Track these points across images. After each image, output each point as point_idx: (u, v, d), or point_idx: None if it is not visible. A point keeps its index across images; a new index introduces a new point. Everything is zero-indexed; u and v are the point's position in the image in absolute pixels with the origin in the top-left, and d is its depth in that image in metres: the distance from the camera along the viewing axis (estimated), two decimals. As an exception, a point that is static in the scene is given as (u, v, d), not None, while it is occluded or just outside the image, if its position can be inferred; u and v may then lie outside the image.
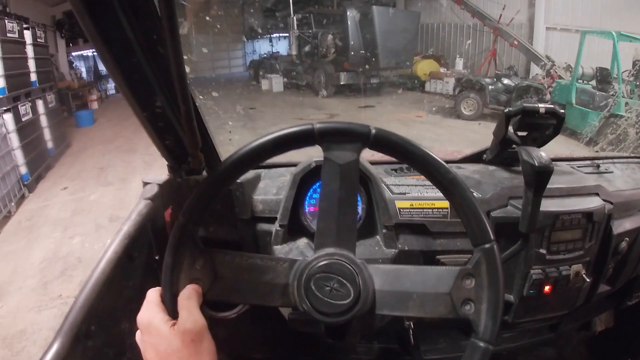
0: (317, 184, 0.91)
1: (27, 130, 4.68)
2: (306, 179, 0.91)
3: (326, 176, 0.60)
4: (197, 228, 0.61)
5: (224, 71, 14.87)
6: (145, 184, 0.89)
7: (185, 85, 0.60)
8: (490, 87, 7.48)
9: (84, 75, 10.86)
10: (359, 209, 0.92)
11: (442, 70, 10.58)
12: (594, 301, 1.05)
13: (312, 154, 0.86)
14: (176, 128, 0.74)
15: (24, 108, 4.63)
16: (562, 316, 1.05)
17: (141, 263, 0.83)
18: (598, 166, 1.17)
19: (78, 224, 3.67)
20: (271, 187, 0.99)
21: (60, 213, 3.95)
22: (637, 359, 1.31)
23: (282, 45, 13.62)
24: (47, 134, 5.47)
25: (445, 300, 0.59)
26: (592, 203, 0.92)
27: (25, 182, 4.52)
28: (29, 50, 5.09)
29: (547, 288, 0.91)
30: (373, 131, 0.58)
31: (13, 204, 4.04)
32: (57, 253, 3.22)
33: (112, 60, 0.59)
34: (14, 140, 4.35)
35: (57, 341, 0.59)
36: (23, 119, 4.58)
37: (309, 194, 0.93)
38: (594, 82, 6.45)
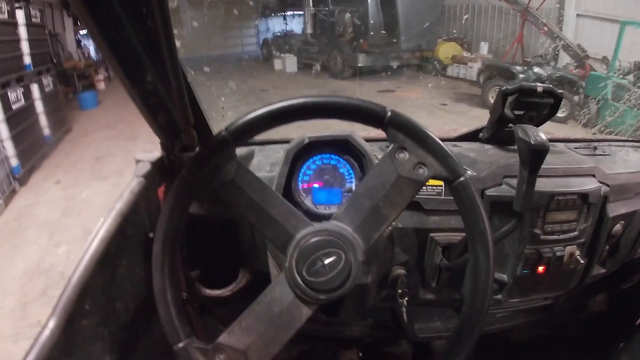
0: (310, 160, 0.92)
1: (19, 119, 4.35)
2: (299, 156, 0.90)
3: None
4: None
5: (237, 49, 14.34)
6: (138, 161, 0.87)
7: (175, 60, 0.61)
8: (520, 75, 6.83)
9: (92, 54, 10.45)
10: (353, 185, 0.92)
11: (465, 54, 9.89)
12: (588, 283, 1.05)
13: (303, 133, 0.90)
14: (167, 104, 0.73)
15: (14, 95, 4.29)
16: (556, 297, 1.06)
17: (135, 241, 0.83)
18: (595, 148, 1.15)
19: (65, 229, 3.37)
20: (265, 163, 0.98)
21: (49, 213, 3.65)
22: (630, 342, 1.31)
23: (296, 24, 13.03)
24: (43, 121, 5.13)
25: (405, 183, 0.63)
26: (588, 184, 0.92)
27: (17, 175, 4.20)
28: (22, 32, 4.69)
29: (540, 268, 0.92)
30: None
31: (1, 201, 3.74)
32: (40, 264, 2.93)
33: (100, 35, 0.56)
34: (3, 130, 4.02)
35: (52, 321, 0.59)
36: (13, 107, 4.24)
37: (302, 171, 0.92)
38: (631, 77, 5.74)
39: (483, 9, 10.41)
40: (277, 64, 10.82)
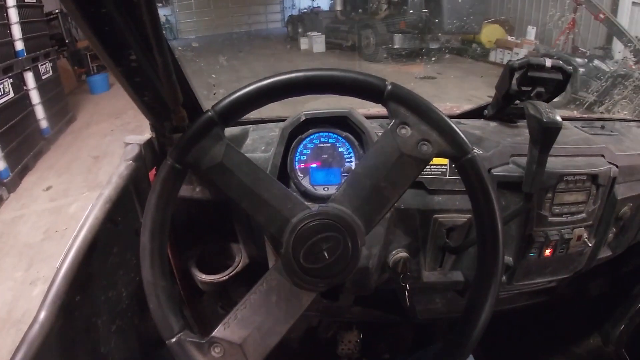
0: (307, 139, 0.87)
1: (7, 115, 3.83)
2: (295, 134, 0.86)
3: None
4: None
5: (261, 26, 13.57)
6: (127, 144, 0.86)
7: (160, 36, 0.58)
8: (581, 69, 5.82)
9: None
10: (352, 165, 0.87)
11: (509, 38, 8.80)
12: (593, 266, 1.03)
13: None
14: (154, 83, 0.71)
15: (0, 88, 3.75)
16: (561, 280, 1.03)
17: (125, 228, 0.81)
18: (602, 127, 1.11)
19: (45, 258, 2.85)
20: (259, 143, 0.93)
21: (32, 233, 3.14)
22: (632, 324, 1.29)
23: (323, 0, 12.15)
24: (39, 112, 4.60)
25: (408, 161, 0.60)
26: (598, 165, 0.89)
27: (5, 180, 3.72)
28: (13, 14, 4.12)
29: (547, 251, 0.90)
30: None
31: (-20, 214, 3.28)
32: (12, 310, 2.42)
33: (78, 10, 0.54)
34: (-17, 131, 3.53)
35: (42, 314, 0.58)
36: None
37: (299, 150, 0.86)
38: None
39: None
40: (304, 44, 10.01)
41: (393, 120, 0.60)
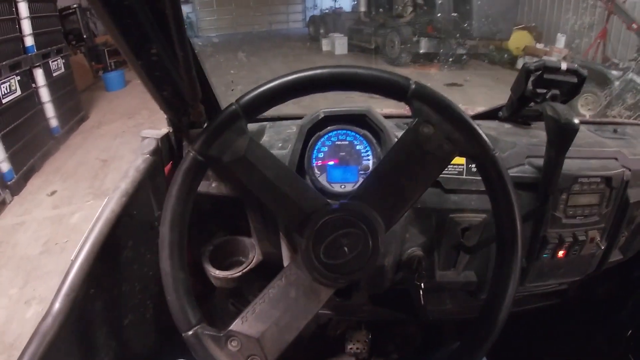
0: (325, 136, 0.86)
1: (12, 114, 3.63)
2: (313, 131, 0.85)
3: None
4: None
5: (282, 26, 13.36)
6: (144, 138, 0.86)
7: (182, 31, 0.57)
8: (616, 82, 5.38)
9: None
10: (370, 163, 0.85)
11: (538, 46, 8.35)
12: (603, 270, 1.02)
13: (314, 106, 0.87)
14: (174, 77, 0.70)
15: (5, 86, 3.55)
16: (571, 282, 1.04)
17: (141, 222, 0.82)
18: (615, 131, 1.09)
19: (42, 275, 2.63)
20: (276, 140, 0.91)
21: (31, 244, 2.93)
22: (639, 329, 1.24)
23: (345, 1, 11.87)
24: (49, 111, 4.42)
25: (430, 159, 0.60)
26: (611, 168, 0.89)
27: (9, 182, 3.53)
28: (23, 9, 3.93)
29: (561, 253, 0.90)
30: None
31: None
32: (4, 333, 2.21)
33: (100, 2, 0.53)
34: (-13, 130, 3.33)
35: (55, 306, 0.58)
36: (4, 100, 3.51)
37: (316, 147, 0.85)
38: None
39: None
40: (325, 45, 9.72)
41: (416, 119, 0.60)
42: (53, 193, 3.59)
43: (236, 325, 0.59)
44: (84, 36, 7.69)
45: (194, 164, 0.59)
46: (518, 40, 8.36)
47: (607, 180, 0.87)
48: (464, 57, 7.90)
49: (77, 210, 3.27)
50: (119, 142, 4.53)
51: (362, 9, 9.37)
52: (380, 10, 8.88)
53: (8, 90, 3.59)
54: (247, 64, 7.65)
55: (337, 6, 12.09)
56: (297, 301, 0.60)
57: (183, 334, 0.59)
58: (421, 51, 7.64)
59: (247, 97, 0.59)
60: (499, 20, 7.40)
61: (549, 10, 8.87)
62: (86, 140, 4.73)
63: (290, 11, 13.78)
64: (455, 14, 7.23)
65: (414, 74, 7.34)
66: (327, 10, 11.83)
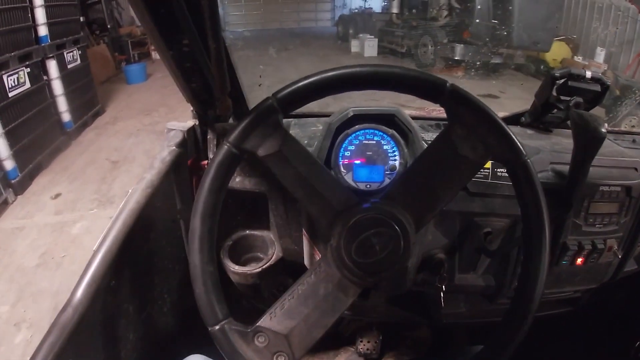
0: (353, 135, 0.84)
1: (20, 108, 3.41)
2: (341, 130, 0.85)
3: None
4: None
5: (310, 24, 13.07)
6: (170, 130, 0.86)
7: (217, 23, 0.58)
8: None
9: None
10: (397, 163, 0.84)
11: (576, 59, 7.79)
12: (618, 279, 1.02)
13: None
14: (204, 70, 0.70)
15: (14, 78, 3.32)
16: (586, 291, 1.04)
17: (163, 213, 0.81)
18: (634, 141, 1.09)
19: (35, 293, 2.39)
20: (302, 137, 0.91)
21: (27, 255, 2.70)
22: None
23: (375, 1, 11.48)
24: (62, 105, 4.20)
25: (464, 162, 0.60)
26: (632, 177, 0.91)
27: (13, 181, 3.30)
28: (37, -5, 3.71)
29: (579, 260, 0.91)
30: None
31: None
32: None
33: None
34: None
35: (76, 297, 0.58)
36: (11, 94, 3.28)
37: (343, 146, 0.84)
38: None
39: (604, 7, 8.02)
40: (354, 46, 9.37)
41: (451, 121, 0.60)
42: (57, 196, 3.36)
43: (264, 321, 0.59)
44: (108, 26, 7.53)
45: (229, 157, 0.59)
46: (555, 51, 7.82)
47: (627, 189, 0.88)
48: (500, 66, 7.45)
49: (79, 220, 3.01)
50: (132, 143, 4.28)
51: (394, 10, 8.97)
52: (414, 12, 8.45)
53: (16, 83, 3.36)
54: (273, 63, 7.39)
55: (367, 6, 11.70)
56: (326, 298, 0.60)
57: (210, 328, 0.58)
58: (456, 57, 7.20)
59: (284, 92, 0.59)
60: (540, 29, 6.88)
61: (587, 20, 8.27)
62: (99, 136, 4.51)
63: (319, 9, 13.47)
64: (496, 21, 6.75)
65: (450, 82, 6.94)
66: (356, 10, 11.47)
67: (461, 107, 0.59)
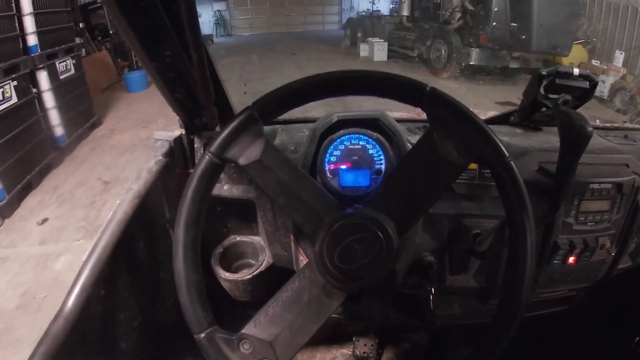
0: (338, 140, 0.85)
1: (6, 125, 3.14)
2: (325, 135, 0.86)
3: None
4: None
5: (317, 27, 12.82)
6: (157, 140, 0.87)
7: (197, 33, 0.59)
8: None
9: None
10: (382, 167, 0.84)
11: (594, 62, 7.43)
12: (612, 277, 1.02)
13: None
14: (188, 80, 0.70)
15: (-2, 91, 3.06)
16: (580, 289, 1.04)
17: (153, 223, 0.82)
18: (626, 136, 1.09)
19: (11, 342, 2.11)
20: (288, 143, 0.92)
21: (7, 293, 2.43)
22: None
23: (383, 4, 11.18)
24: (54, 118, 3.93)
25: (446, 166, 0.60)
26: (623, 174, 0.89)
27: (0, 203, 3.05)
28: (25, 4, 3.44)
29: (571, 259, 0.90)
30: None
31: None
32: None
33: (116, 3, 0.52)
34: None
35: (67, 307, 0.58)
36: (-4, 109, 3.01)
37: (329, 151, 0.85)
38: None
39: (621, 8, 7.58)
40: (363, 50, 9.12)
41: (431, 125, 0.60)
42: (44, 221, 3.08)
43: (249, 328, 0.59)
44: (110, 32, 7.31)
45: (210, 166, 0.59)
46: (572, 55, 7.49)
47: (618, 186, 0.87)
48: (513, 71, 7.10)
49: (63, 252, 2.73)
50: (125, 160, 3.99)
51: (405, 13, 8.66)
52: (426, 14, 8.13)
53: (1, 98, 3.10)
54: (281, 68, 7.11)
55: (375, 9, 11.41)
56: (310, 305, 0.60)
57: (195, 336, 0.58)
58: (471, 62, 6.85)
59: (263, 101, 0.59)
60: (560, 33, 6.52)
61: (603, 22, 7.86)
62: (93, 152, 4.23)
63: (326, 12, 13.25)
64: (515, 24, 6.40)
65: (465, 90, 6.64)
66: (364, 13, 11.16)
67: (441, 110, 0.59)
